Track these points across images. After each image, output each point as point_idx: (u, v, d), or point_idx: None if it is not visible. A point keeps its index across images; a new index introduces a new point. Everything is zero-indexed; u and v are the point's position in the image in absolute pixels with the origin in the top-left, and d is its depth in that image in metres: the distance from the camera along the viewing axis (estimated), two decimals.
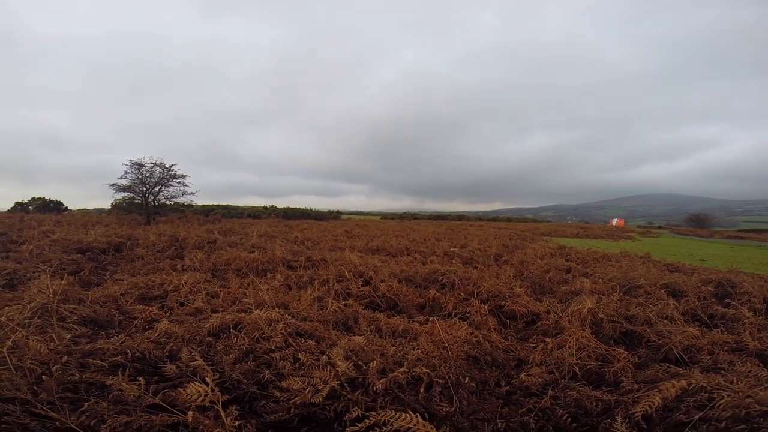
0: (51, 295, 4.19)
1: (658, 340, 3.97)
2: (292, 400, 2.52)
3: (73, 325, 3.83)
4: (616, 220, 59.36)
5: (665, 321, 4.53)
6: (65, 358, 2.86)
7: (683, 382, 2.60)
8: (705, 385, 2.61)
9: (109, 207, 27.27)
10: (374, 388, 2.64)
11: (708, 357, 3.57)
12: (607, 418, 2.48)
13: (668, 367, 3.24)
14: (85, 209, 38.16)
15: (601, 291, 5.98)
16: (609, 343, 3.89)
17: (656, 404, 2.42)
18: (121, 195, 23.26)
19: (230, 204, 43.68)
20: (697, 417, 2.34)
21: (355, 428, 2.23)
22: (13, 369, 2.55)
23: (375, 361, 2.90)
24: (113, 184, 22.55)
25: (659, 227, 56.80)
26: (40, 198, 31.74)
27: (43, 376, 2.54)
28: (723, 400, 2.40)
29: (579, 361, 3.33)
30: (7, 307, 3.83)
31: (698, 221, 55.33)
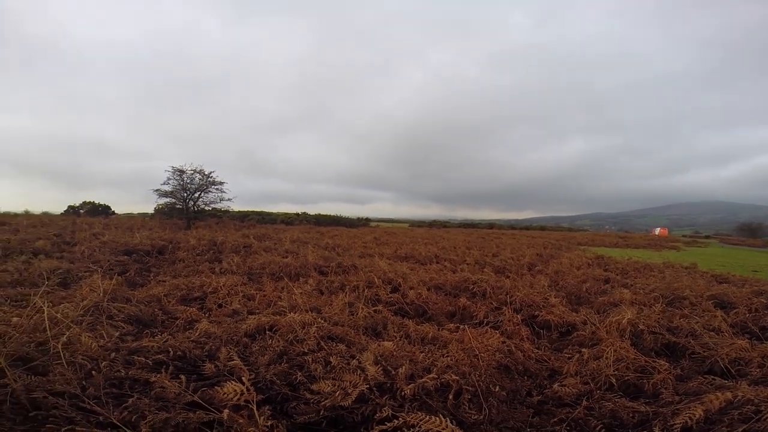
0: (102, 294, 4.47)
1: (703, 352, 3.78)
2: (322, 403, 2.56)
3: (121, 323, 4.03)
4: (659, 229, 56.62)
5: (711, 333, 4.32)
6: (113, 354, 2.98)
7: (728, 395, 2.47)
8: (752, 397, 2.47)
9: (152, 211, 28.70)
10: (402, 393, 2.65)
11: (757, 370, 3.37)
12: (644, 430, 2.38)
13: (713, 379, 3.09)
14: (130, 213, 40.31)
15: (642, 302, 5.75)
16: (649, 355, 3.73)
17: (697, 416, 2.31)
18: (163, 200, 24.44)
19: (264, 210, 44.97)
20: (740, 430, 2.21)
21: (384, 427, 2.26)
22: (65, 364, 2.65)
23: (404, 367, 2.92)
24: (156, 190, 23.77)
25: (706, 237, 53.60)
26: (90, 202, 33.90)
27: (93, 372, 2.63)
28: None
29: (616, 372, 3.22)
30: (62, 305, 4.09)
31: (750, 230, 51.74)
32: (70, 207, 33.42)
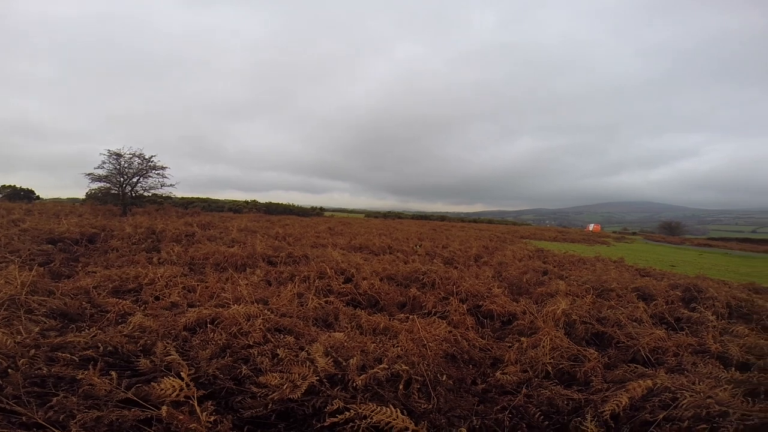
0: (19, 287, 4.05)
1: (627, 341, 4.11)
2: (270, 396, 2.50)
3: (42, 317, 3.70)
4: (592, 225, 60.82)
5: (634, 323, 4.69)
6: (33, 351, 2.76)
7: (649, 382, 2.71)
8: (669, 385, 2.72)
9: (84, 197, 26.37)
10: (354, 384, 2.65)
11: (673, 358, 3.72)
12: (578, 417, 2.56)
13: (636, 367, 3.36)
14: (58, 198, 36.80)
15: (575, 293, 6.13)
16: (581, 344, 4.01)
17: (623, 403, 2.51)
18: (96, 185, 22.52)
19: (210, 197, 42.79)
20: (661, 416, 2.44)
21: (335, 419, 2.25)
22: None
23: (355, 358, 2.92)
24: (89, 174, 21.81)
25: (634, 233, 58.55)
26: (9, 186, 30.46)
27: (9, 370, 2.45)
28: (686, 400, 2.51)
29: (552, 360, 3.42)
30: None
31: (670, 229, 57.28)
32: None
